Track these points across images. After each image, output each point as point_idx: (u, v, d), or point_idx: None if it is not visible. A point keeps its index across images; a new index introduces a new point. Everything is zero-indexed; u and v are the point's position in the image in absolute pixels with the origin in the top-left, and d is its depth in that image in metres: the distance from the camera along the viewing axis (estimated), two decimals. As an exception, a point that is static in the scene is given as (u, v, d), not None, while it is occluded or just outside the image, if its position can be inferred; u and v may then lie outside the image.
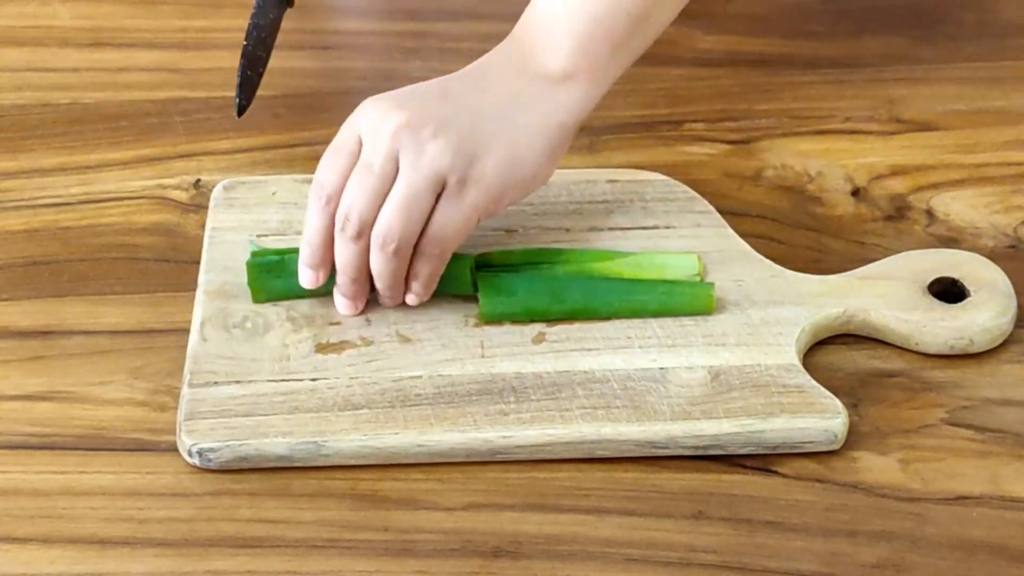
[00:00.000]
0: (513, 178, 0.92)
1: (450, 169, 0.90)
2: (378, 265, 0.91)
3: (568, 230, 0.99)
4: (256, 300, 0.95)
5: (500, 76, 0.94)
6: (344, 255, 0.92)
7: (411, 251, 0.91)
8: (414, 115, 0.90)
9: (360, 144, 0.91)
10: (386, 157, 0.90)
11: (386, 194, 0.90)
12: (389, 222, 0.90)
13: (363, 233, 0.91)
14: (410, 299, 0.93)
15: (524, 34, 0.96)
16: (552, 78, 0.94)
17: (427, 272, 0.92)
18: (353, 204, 0.90)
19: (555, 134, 0.94)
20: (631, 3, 0.95)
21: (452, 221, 0.91)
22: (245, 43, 1.05)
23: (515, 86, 0.94)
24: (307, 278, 0.93)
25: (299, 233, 0.98)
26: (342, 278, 0.93)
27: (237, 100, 1.05)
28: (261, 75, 1.06)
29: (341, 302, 0.94)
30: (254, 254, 0.96)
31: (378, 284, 0.93)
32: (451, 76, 0.95)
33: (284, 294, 0.95)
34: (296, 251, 0.94)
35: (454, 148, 0.90)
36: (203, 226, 1.01)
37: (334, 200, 0.91)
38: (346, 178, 0.91)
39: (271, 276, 0.95)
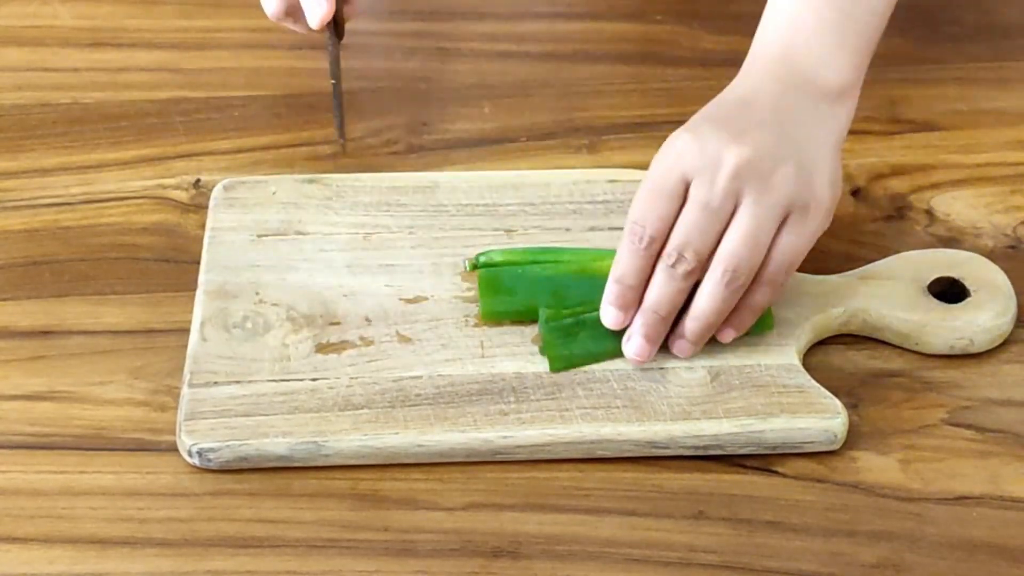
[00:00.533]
0: (836, 198, 0.92)
1: (795, 199, 0.89)
2: (715, 301, 0.89)
3: (568, 230, 0.99)
4: (554, 369, 0.91)
5: (779, 97, 0.93)
6: (666, 292, 0.89)
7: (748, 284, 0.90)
8: (749, 150, 0.89)
9: (684, 183, 0.89)
10: (726, 195, 0.88)
11: (721, 232, 0.89)
12: (738, 256, 0.88)
13: (696, 271, 0.89)
14: (728, 335, 0.91)
15: (794, 51, 0.94)
16: (832, 95, 0.94)
17: (765, 302, 0.91)
18: (689, 241, 0.88)
19: (839, 149, 0.94)
20: (882, 9, 0.96)
21: (797, 248, 0.90)
22: (333, 81, 1.06)
23: (800, 107, 0.93)
24: (612, 318, 0.91)
25: (300, 233, 0.99)
26: (653, 317, 0.90)
27: (340, 136, 1.06)
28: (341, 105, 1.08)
29: (639, 346, 0.90)
30: (547, 319, 0.93)
31: (699, 323, 0.90)
32: (728, 102, 0.93)
33: (582, 359, 0.92)
34: (587, 311, 0.92)
35: (794, 178, 0.89)
36: (203, 226, 1.01)
37: (657, 242, 0.89)
38: (670, 221, 0.89)
39: (568, 340, 0.92)
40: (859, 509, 0.87)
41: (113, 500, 0.87)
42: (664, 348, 0.92)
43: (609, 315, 0.91)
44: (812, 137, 0.92)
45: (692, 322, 0.90)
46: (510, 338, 0.93)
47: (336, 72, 1.06)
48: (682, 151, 0.90)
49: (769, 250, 0.90)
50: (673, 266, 0.89)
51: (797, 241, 0.90)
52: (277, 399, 0.90)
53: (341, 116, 1.06)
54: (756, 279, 0.90)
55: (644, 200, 0.90)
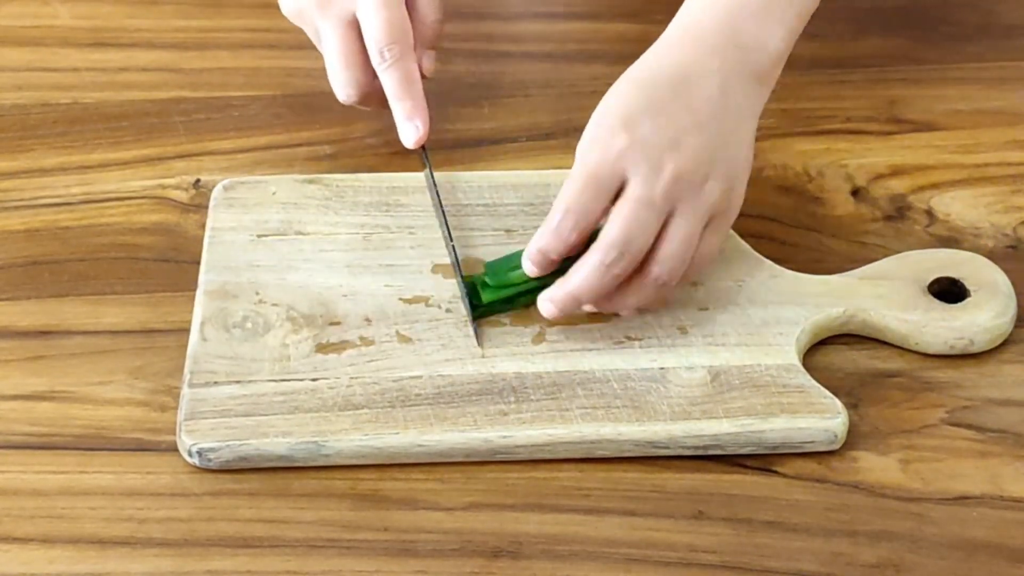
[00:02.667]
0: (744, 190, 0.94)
1: (719, 205, 0.91)
2: (642, 298, 0.91)
3: (568, 230, 0.99)
4: (486, 300, 0.94)
5: (719, 82, 0.93)
6: (595, 285, 0.90)
7: None
8: (688, 160, 0.90)
9: (620, 180, 0.90)
10: (666, 199, 0.89)
11: (655, 234, 0.90)
12: (676, 260, 0.90)
13: (628, 271, 0.90)
14: (626, 312, 0.93)
15: (738, 22, 0.94)
16: (763, 71, 0.95)
17: (671, 292, 0.93)
18: (633, 239, 0.89)
19: (752, 139, 0.95)
20: None
21: (716, 248, 0.93)
22: (451, 243, 0.99)
23: (735, 91, 0.93)
24: (531, 272, 0.92)
25: (300, 233, 0.99)
26: (574, 302, 0.91)
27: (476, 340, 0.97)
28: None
29: (549, 312, 0.91)
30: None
31: (619, 310, 0.92)
32: (664, 80, 0.93)
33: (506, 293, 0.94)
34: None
35: (722, 187, 0.91)
36: (203, 226, 1.01)
37: (587, 231, 0.90)
38: (600, 213, 0.90)
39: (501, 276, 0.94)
40: (859, 509, 0.87)
41: (113, 500, 0.87)
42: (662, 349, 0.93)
43: (528, 269, 0.92)
44: (742, 133, 0.93)
45: (610, 304, 0.92)
46: (510, 338, 0.93)
47: (445, 228, 0.99)
48: (621, 148, 0.90)
49: (696, 252, 0.92)
50: (610, 264, 0.89)
51: (717, 241, 0.93)
52: (277, 399, 0.90)
53: (471, 302, 0.95)
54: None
55: (578, 188, 0.90)
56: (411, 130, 1.01)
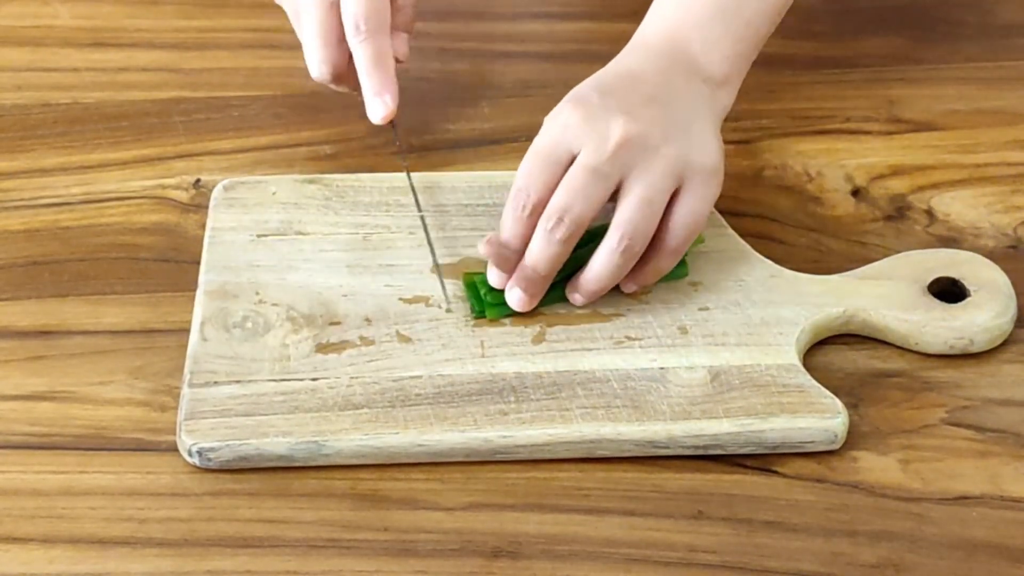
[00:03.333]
0: (722, 167, 0.95)
1: (685, 167, 0.92)
2: (610, 267, 0.92)
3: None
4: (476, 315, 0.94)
5: (665, 78, 0.96)
6: (545, 254, 0.91)
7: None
8: (638, 124, 0.91)
9: (570, 154, 0.92)
10: (613, 164, 0.91)
11: (603, 199, 0.91)
12: (633, 222, 0.91)
13: (575, 235, 0.91)
14: (630, 288, 0.94)
15: (681, 35, 0.98)
16: (715, 81, 0.97)
17: (667, 267, 0.94)
18: (570, 206, 0.90)
19: (719, 128, 0.97)
20: (770, 9, 1.00)
21: (696, 212, 0.93)
22: (420, 214, 1.01)
23: (681, 86, 0.96)
24: (496, 278, 0.93)
25: (300, 233, 0.99)
26: (532, 274, 0.92)
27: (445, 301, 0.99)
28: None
29: (518, 298, 0.93)
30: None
31: (594, 285, 0.93)
32: (614, 74, 0.96)
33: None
34: None
35: (682, 148, 0.92)
36: (203, 226, 1.01)
37: (540, 208, 0.91)
38: (553, 188, 0.91)
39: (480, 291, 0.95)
40: (859, 509, 0.87)
41: (113, 500, 0.87)
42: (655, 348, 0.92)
43: (493, 275, 0.93)
44: (696, 112, 0.95)
45: (587, 283, 0.93)
46: (510, 338, 0.93)
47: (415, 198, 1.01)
48: (569, 121, 0.92)
49: (668, 218, 0.92)
50: (551, 230, 0.91)
51: (695, 205, 0.93)
52: (277, 399, 0.90)
53: (435, 257, 0.98)
54: (659, 246, 0.93)
55: (529, 167, 0.92)
56: (379, 105, 1.01)
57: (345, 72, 1.04)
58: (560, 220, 0.91)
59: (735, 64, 0.99)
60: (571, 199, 0.91)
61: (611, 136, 0.91)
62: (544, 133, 0.94)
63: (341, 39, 1.03)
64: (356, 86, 1.04)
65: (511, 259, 0.93)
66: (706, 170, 0.94)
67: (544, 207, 0.92)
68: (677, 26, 0.99)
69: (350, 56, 1.03)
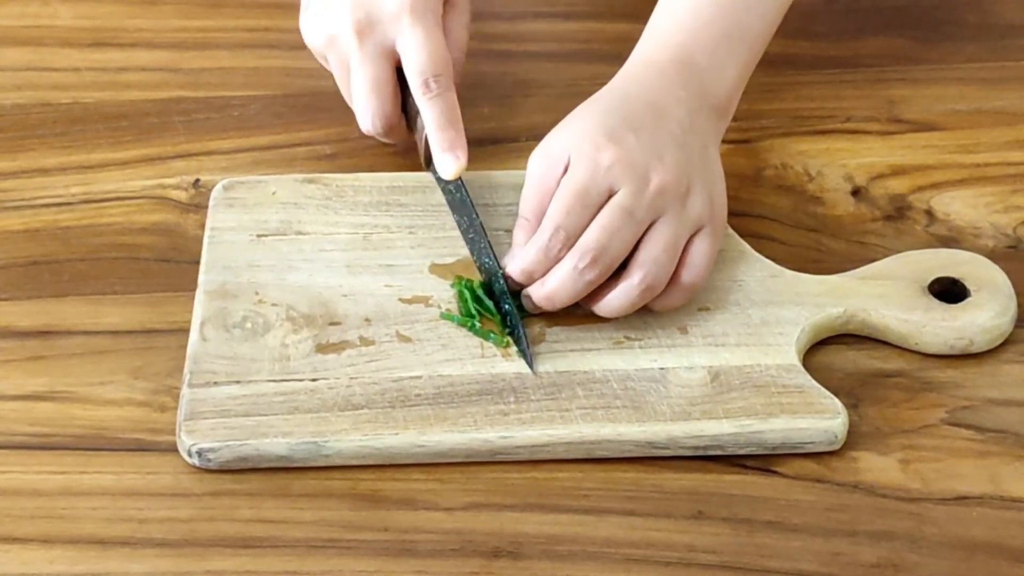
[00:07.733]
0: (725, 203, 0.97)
1: (704, 214, 0.94)
2: (628, 302, 0.92)
3: (568, 230, 0.99)
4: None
5: (686, 110, 0.96)
6: (569, 289, 0.92)
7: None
8: (672, 173, 0.93)
9: (609, 194, 0.92)
10: (649, 210, 0.92)
11: (632, 244, 0.92)
12: (659, 263, 0.92)
13: (603, 277, 0.92)
14: (660, 306, 0.94)
15: (692, 58, 0.98)
16: (720, 107, 0.99)
17: (680, 303, 0.94)
18: (608, 247, 0.91)
19: (719, 161, 0.98)
20: (766, 29, 1.01)
21: (709, 255, 0.94)
22: (486, 261, 0.97)
23: (700, 118, 0.97)
24: (516, 286, 0.94)
25: (299, 233, 0.99)
26: (548, 303, 0.92)
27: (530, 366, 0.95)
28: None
29: (530, 307, 0.94)
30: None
31: (607, 314, 0.93)
32: (638, 105, 0.96)
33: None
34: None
35: (703, 197, 0.94)
36: (203, 226, 1.01)
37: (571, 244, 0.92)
38: (585, 228, 0.92)
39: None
40: (859, 509, 0.87)
41: (113, 500, 0.88)
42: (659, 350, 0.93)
43: (513, 283, 0.94)
44: (708, 149, 0.97)
45: (601, 311, 0.93)
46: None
47: (484, 247, 0.97)
48: (612, 163, 0.92)
49: (685, 256, 0.93)
50: (583, 269, 0.91)
51: (709, 249, 0.94)
52: (277, 399, 0.90)
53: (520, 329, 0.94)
54: (676, 283, 0.93)
55: (567, 205, 0.92)
56: (451, 160, 0.99)
57: (397, 125, 1.03)
58: (595, 260, 0.91)
59: (737, 88, 1.00)
60: (608, 239, 0.91)
61: (651, 181, 0.92)
62: (582, 171, 0.92)
63: (395, 92, 1.02)
64: (405, 137, 1.04)
65: (533, 280, 0.93)
66: (722, 213, 0.95)
67: (573, 243, 0.92)
68: (687, 48, 0.99)
69: (401, 108, 1.03)
